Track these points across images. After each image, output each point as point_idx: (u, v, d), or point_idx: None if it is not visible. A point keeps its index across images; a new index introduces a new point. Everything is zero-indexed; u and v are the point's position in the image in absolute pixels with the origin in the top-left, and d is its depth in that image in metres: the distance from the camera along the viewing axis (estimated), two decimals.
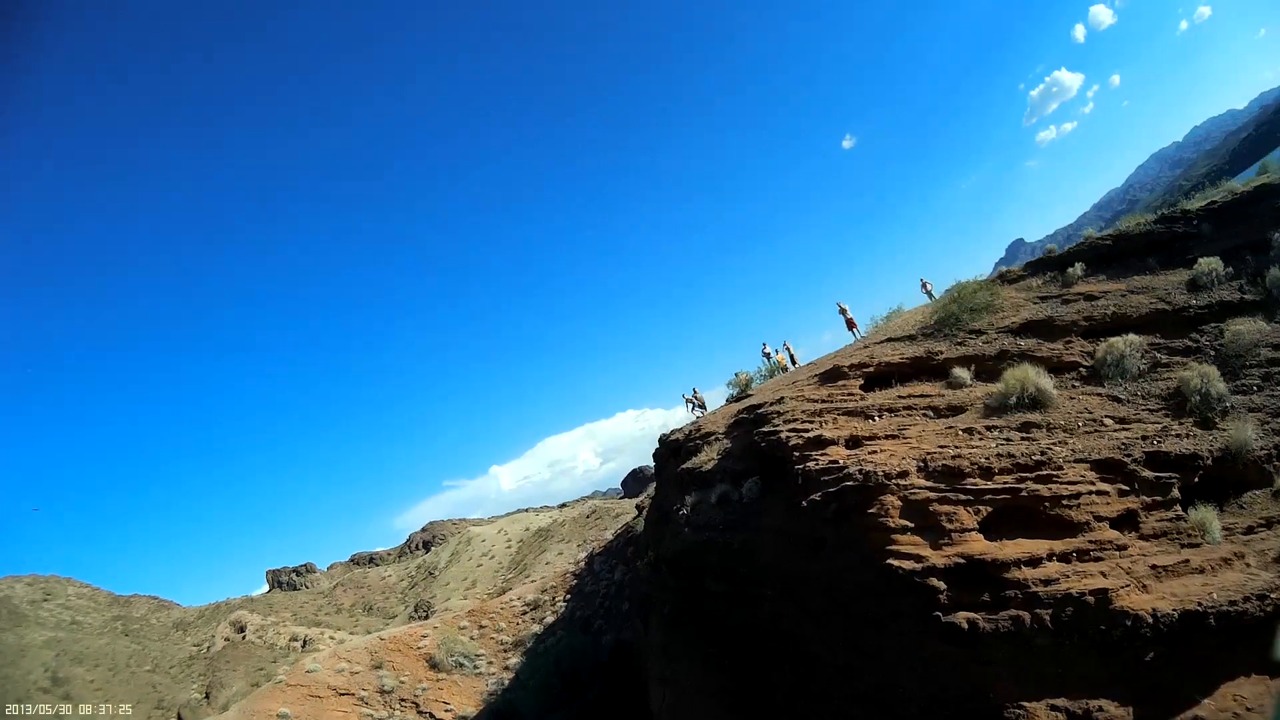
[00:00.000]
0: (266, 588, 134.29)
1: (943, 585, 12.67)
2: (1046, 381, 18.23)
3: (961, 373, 19.04)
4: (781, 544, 15.81)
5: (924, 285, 30.25)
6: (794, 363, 28.84)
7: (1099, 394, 19.36)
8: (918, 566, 12.73)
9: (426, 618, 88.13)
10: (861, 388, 18.70)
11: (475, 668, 50.23)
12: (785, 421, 17.23)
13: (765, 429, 17.57)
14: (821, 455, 15.31)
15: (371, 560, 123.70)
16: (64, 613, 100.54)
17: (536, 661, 44.94)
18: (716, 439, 20.47)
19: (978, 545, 13.11)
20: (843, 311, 28.05)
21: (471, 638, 53.70)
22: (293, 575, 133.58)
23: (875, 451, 15.03)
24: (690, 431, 22.06)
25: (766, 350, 29.71)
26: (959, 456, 14.24)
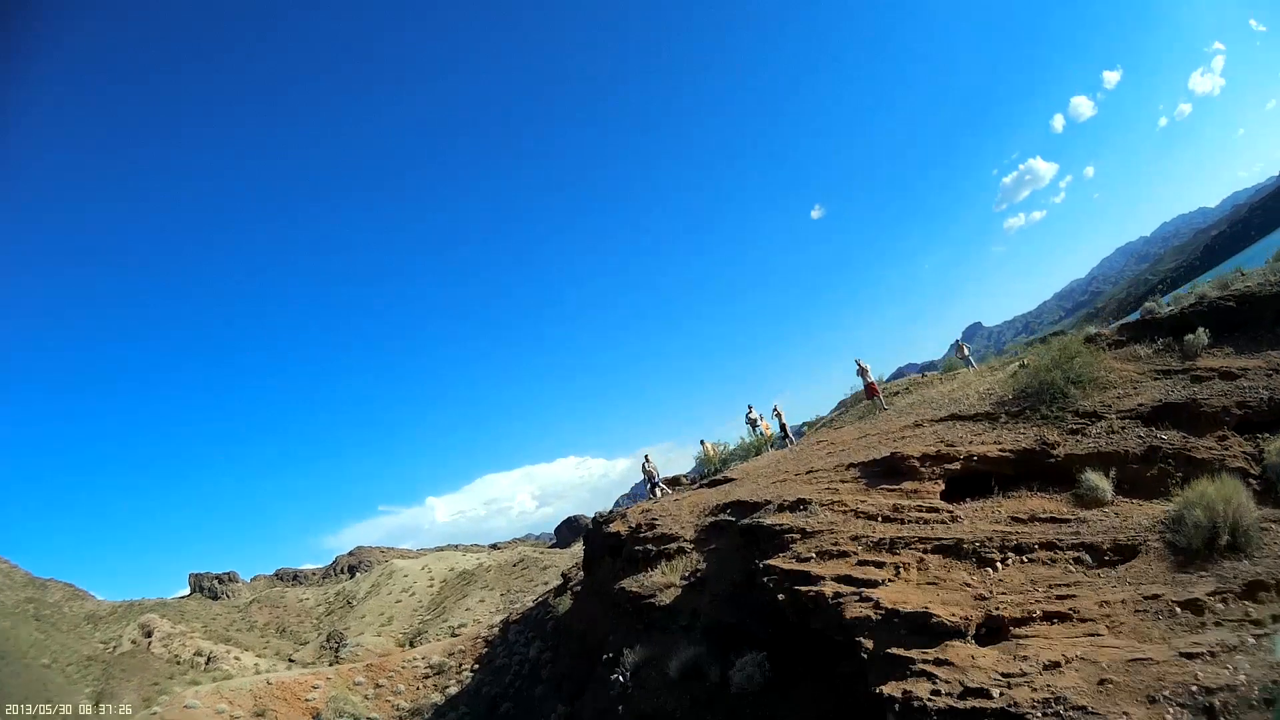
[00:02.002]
0: (188, 590, 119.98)
1: None
2: (1252, 507, 9.84)
3: (1098, 480, 10.45)
4: None
5: (960, 348, 21.92)
6: (786, 434, 19.96)
7: None
8: None
9: (337, 650, 76.41)
10: (943, 495, 9.86)
11: None
12: (822, 555, 8.29)
13: (782, 566, 8.57)
14: (936, 664, 6.38)
15: (296, 578, 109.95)
16: None
17: None
18: (681, 549, 11.40)
19: None
20: (862, 372, 19.18)
21: (365, 697, 43.02)
22: (215, 582, 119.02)
23: (1056, 666, 6.16)
24: (640, 525, 12.84)
25: (753, 416, 20.73)
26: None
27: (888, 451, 10.51)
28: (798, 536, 8.61)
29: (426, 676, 41.16)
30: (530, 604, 42.42)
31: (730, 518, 10.79)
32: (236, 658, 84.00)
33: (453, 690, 38.67)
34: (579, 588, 19.94)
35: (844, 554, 8.09)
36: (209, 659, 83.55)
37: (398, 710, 40.70)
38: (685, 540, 11.33)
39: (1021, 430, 11.40)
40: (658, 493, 17.54)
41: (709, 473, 16.32)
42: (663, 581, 10.68)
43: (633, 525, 12.77)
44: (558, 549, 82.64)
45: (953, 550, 8.14)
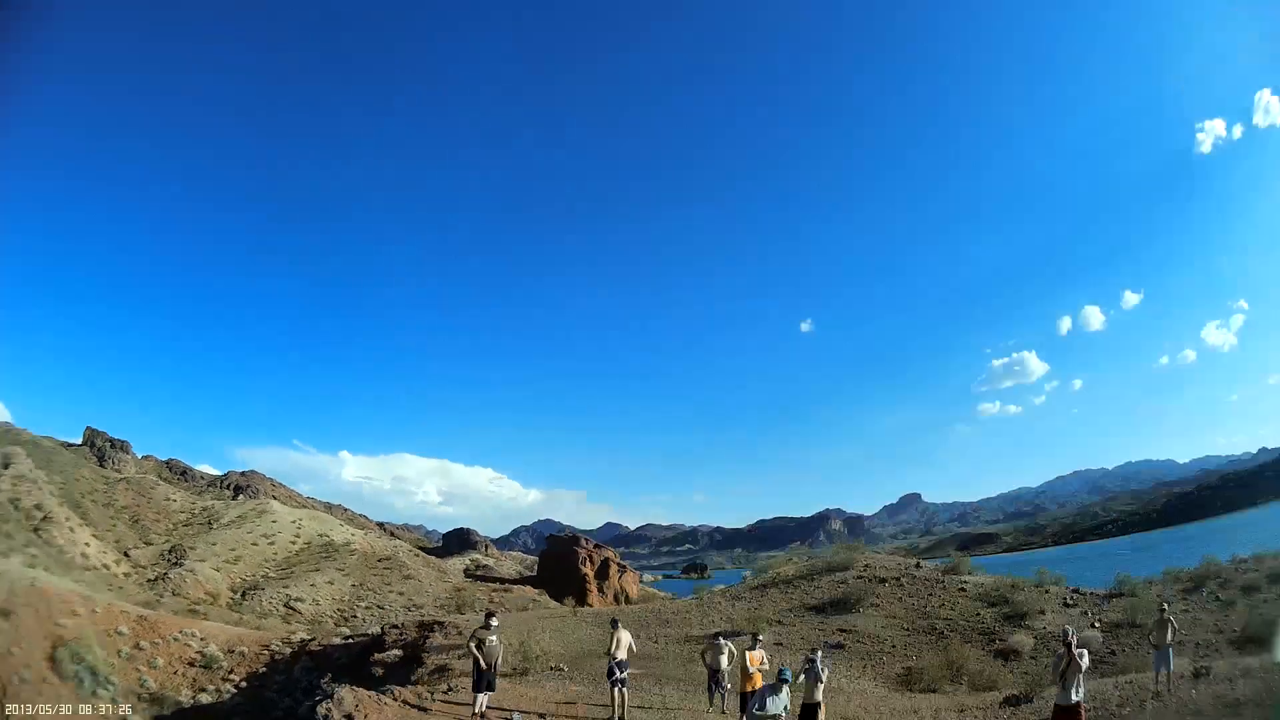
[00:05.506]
0: (80, 441, 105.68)
1: None
2: None
3: None
4: None
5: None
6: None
7: None
8: None
9: (173, 565, 64.08)
10: None
11: (92, 692, 28.74)
12: None
13: None
14: None
15: (184, 474, 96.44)
16: None
17: None
18: None
19: None
20: (1073, 662, 8.02)
21: (118, 652, 31.68)
22: (107, 444, 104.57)
23: None
24: None
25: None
26: None
27: None
28: None
29: (191, 664, 30.12)
30: (339, 642, 31.77)
31: None
32: (72, 530, 70.98)
33: (205, 699, 27.75)
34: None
35: None
36: (44, 518, 70.48)
37: (140, 685, 29.49)
38: None
39: None
40: None
41: None
42: None
43: None
44: (436, 556, 71.32)
45: None
